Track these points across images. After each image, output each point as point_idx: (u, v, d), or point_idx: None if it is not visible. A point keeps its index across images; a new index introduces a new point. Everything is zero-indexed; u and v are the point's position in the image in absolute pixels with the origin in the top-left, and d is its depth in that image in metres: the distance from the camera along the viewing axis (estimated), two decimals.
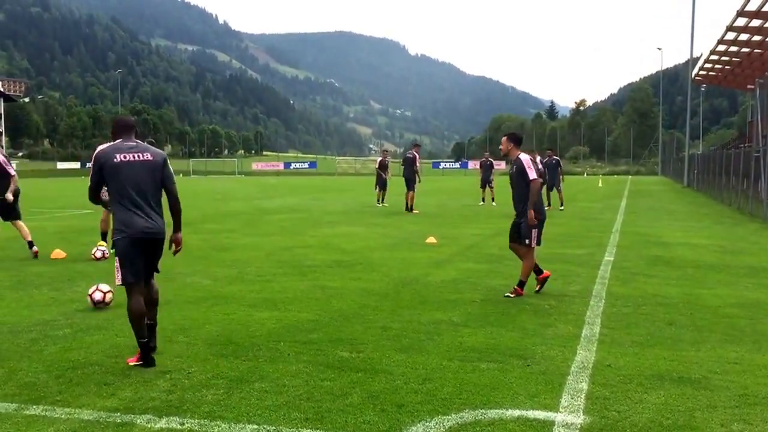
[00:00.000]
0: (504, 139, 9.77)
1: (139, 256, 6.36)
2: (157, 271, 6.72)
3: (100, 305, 8.43)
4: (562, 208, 25.68)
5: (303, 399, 5.31)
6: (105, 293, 8.49)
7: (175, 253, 6.70)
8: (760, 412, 5.12)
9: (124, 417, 4.95)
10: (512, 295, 9.33)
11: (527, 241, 9.45)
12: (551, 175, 25.70)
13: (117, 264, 6.30)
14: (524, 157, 9.51)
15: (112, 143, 6.53)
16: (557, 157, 27.60)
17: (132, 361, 6.25)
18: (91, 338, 7.09)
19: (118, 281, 6.31)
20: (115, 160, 6.31)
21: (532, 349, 6.75)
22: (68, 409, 5.11)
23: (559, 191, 26.26)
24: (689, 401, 5.32)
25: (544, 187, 25.35)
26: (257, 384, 5.65)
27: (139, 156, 6.38)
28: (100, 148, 6.56)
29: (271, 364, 6.19)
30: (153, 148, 6.65)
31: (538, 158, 25.59)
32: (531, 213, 9.32)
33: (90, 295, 8.48)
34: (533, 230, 9.43)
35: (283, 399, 5.31)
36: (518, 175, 9.50)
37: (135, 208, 6.32)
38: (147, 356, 6.23)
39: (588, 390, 5.56)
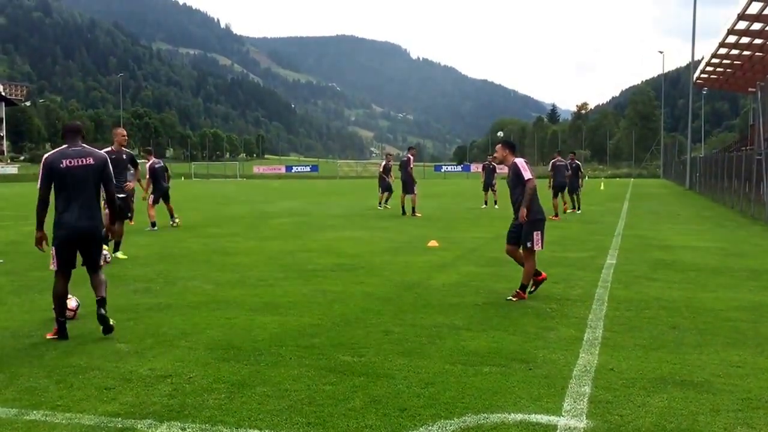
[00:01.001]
0: (499, 146, 9.85)
1: (70, 250, 7.30)
2: (98, 264, 7.54)
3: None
4: (579, 212, 25.63)
5: (305, 403, 5.30)
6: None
7: (113, 239, 7.70)
8: (763, 415, 5.11)
9: (125, 422, 4.93)
10: (514, 299, 9.31)
11: (529, 245, 9.42)
12: (572, 179, 25.68)
13: (53, 253, 7.29)
14: (519, 161, 9.54)
15: (59, 148, 7.40)
16: (578, 162, 27.42)
17: (49, 336, 7.23)
18: (92, 343, 7.08)
19: (52, 267, 7.34)
20: (61, 165, 7.17)
21: (535, 352, 6.74)
22: (69, 414, 5.10)
23: (577, 195, 26.19)
24: (692, 405, 5.30)
25: (566, 190, 25.35)
26: (259, 388, 5.64)
27: (82, 161, 7.25)
28: (48, 153, 7.39)
29: (272, 369, 6.17)
30: (97, 152, 7.52)
31: (561, 162, 25.45)
32: (523, 211, 9.30)
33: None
34: (535, 233, 9.39)
35: (285, 403, 5.29)
36: (515, 178, 9.51)
37: (71, 209, 7.19)
38: (62, 332, 7.22)
39: (591, 394, 5.54)
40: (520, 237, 9.55)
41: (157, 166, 20.08)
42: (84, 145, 7.41)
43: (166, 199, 20.19)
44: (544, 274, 9.76)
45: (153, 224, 19.26)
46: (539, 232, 9.43)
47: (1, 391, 5.64)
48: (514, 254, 9.75)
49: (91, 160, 7.27)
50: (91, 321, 8.03)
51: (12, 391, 5.61)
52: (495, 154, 9.84)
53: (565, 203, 25.49)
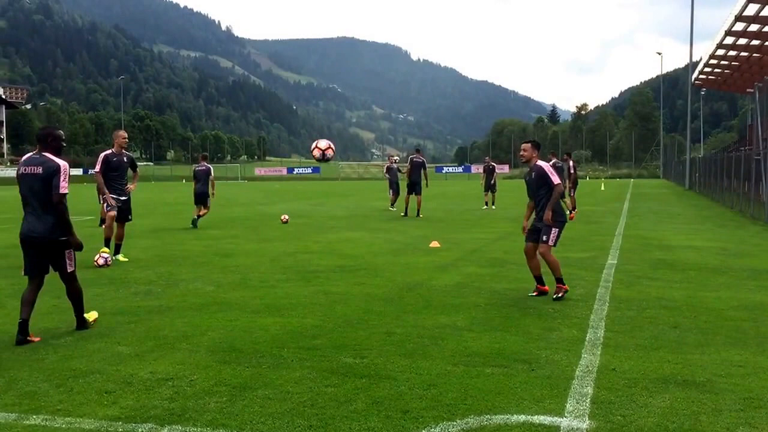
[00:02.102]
0: (528, 145, 9.88)
1: (28, 254, 7.47)
2: (65, 273, 7.52)
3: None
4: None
5: (307, 406, 5.28)
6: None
7: (68, 250, 7.48)
8: (765, 415, 5.09)
9: (126, 426, 4.91)
10: (561, 295, 9.44)
11: (545, 238, 9.50)
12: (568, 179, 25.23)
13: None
14: (543, 164, 9.68)
15: (29, 154, 7.57)
16: (571, 162, 27.10)
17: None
18: (93, 346, 7.06)
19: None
20: (19, 171, 7.44)
21: (537, 353, 6.72)
22: (69, 419, 5.07)
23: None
24: (694, 405, 5.29)
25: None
26: (260, 391, 5.63)
27: (32, 169, 7.31)
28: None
29: (274, 371, 6.16)
30: (51, 161, 7.32)
31: (554, 161, 25.37)
32: (548, 213, 9.42)
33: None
34: (554, 230, 9.50)
35: (287, 406, 5.28)
36: (538, 180, 9.62)
37: (25, 214, 7.40)
38: (21, 331, 7.27)
39: (593, 394, 5.53)
40: (539, 235, 9.62)
41: (197, 168, 21.58)
42: (46, 153, 7.36)
43: (200, 202, 21.17)
44: (547, 287, 9.78)
45: (194, 221, 20.99)
46: (558, 230, 9.54)
47: (1, 395, 5.61)
48: (530, 253, 9.78)
49: (40, 170, 7.24)
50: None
51: (11, 396, 5.59)
52: (522, 153, 9.89)
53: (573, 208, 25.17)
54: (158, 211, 29.60)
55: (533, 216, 9.90)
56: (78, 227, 7.33)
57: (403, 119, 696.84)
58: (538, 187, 9.64)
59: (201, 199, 21.06)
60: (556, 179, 9.51)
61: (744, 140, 61.00)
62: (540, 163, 9.67)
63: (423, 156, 25.79)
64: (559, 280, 9.55)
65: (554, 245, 9.59)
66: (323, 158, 10.77)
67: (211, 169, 21.58)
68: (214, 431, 4.81)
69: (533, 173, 9.71)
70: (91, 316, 7.93)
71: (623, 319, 8.26)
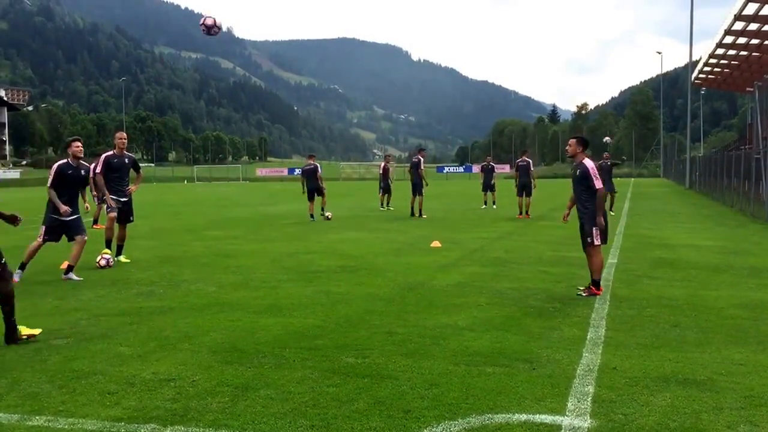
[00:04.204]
0: (573, 141, 10.05)
1: None
2: None
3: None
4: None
5: (309, 406, 5.29)
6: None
7: None
8: (766, 413, 5.10)
9: (128, 426, 4.92)
10: (584, 294, 9.59)
11: (589, 240, 9.64)
12: (607, 179, 23.91)
13: None
14: (589, 164, 9.75)
15: None
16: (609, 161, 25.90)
17: None
18: (95, 347, 7.06)
19: None
20: None
21: (538, 352, 6.73)
22: (72, 420, 5.08)
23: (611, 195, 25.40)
24: (695, 403, 5.30)
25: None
26: (262, 391, 5.63)
27: None
28: None
29: (276, 371, 6.17)
30: None
31: (522, 158, 25.58)
32: (600, 220, 9.53)
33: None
34: (594, 229, 9.59)
35: (289, 406, 5.29)
36: (581, 179, 9.75)
37: None
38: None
39: (594, 393, 5.54)
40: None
41: (305, 167, 24.62)
42: None
43: (320, 194, 24.05)
44: (601, 289, 9.87)
45: (311, 216, 23.58)
46: (598, 228, 9.61)
47: (3, 396, 5.62)
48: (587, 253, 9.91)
49: None
50: (94, 326, 8.06)
51: (14, 397, 5.59)
52: (567, 148, 10.09)
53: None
54: (160, 212, 29.59)
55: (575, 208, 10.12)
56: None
57: (404, 119, 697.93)
58: (579, 184, 9.80)
59: (314, 194, 23.77)
60: (598, 183, 9.60)
61: (744, 139, 60.97)
62: (587, 162, 9.77)
63: (422, 155, 25.77)
64: (595, 283, 9.69)
65: (600, 243, 9.66)
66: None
67: (319, 166, 24.46)
68: (217, 431, 4.83)
69: (578, 170, 9.83)
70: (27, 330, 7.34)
71: (624, 317, 8.27)
